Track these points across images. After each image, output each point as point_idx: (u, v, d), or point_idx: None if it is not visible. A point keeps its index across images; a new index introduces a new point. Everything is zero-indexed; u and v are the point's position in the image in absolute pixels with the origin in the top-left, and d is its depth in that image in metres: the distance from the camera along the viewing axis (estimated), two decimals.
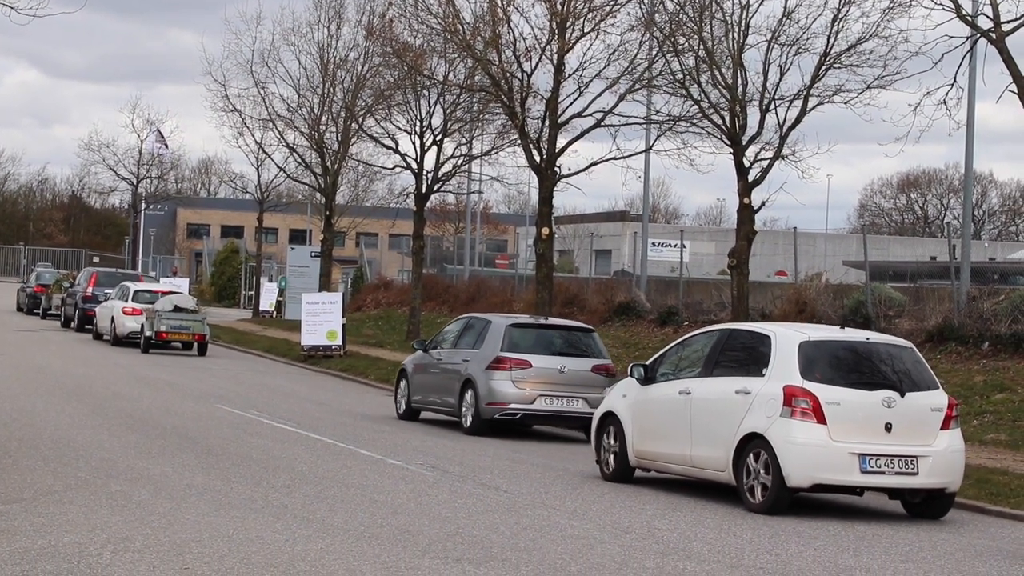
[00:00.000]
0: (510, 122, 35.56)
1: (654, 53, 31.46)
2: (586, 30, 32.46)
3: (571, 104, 33.06)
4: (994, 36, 21.99)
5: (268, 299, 66.04)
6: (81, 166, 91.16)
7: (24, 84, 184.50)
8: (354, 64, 49.02)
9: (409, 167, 43.61)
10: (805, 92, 28.44)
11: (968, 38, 22.84)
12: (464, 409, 23.55)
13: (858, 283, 37.25)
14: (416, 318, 42.64)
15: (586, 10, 32.26)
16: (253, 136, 55.93)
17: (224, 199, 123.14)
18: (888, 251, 76.03)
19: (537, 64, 33.23)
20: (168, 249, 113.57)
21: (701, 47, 28.96)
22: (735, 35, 28.75)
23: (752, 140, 29.13)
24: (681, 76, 29.95)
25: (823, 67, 28.18)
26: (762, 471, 15.59)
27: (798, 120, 28.62)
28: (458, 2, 34.67)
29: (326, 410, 26.19)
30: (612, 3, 32.23)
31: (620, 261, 73.12)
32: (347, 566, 10.89)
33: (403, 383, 25.78)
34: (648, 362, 18.06)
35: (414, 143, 43.08)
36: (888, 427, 15.56)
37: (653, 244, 58.29)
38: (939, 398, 16.03)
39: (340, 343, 39.25)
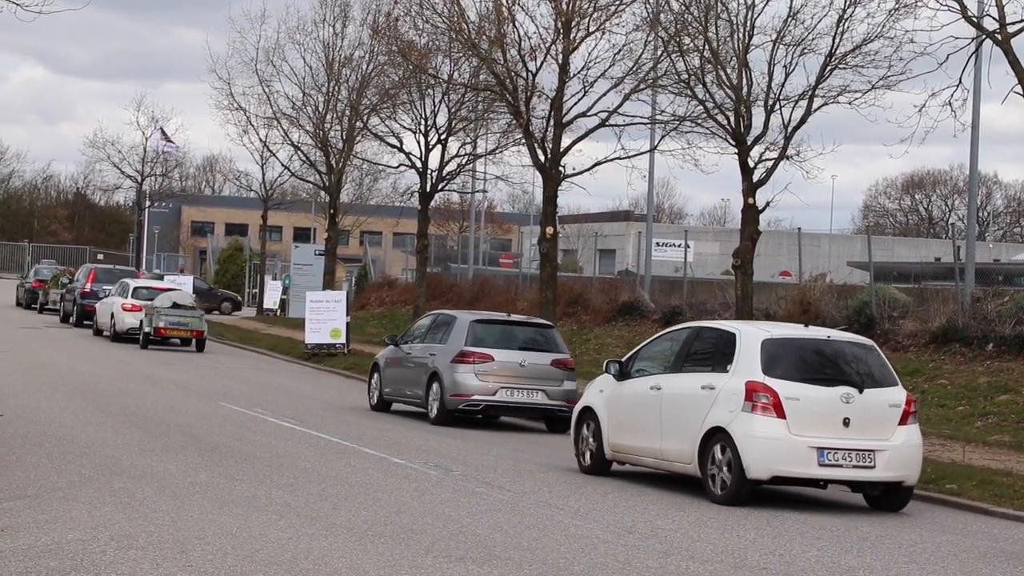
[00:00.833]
0: (515, 121, 35.57)
1: (659, 53, 31.45)
2: (591, 30, 32.46)
3: (576, 104, 33.08)
4: (1000, 37, 21.97)
5: (272, 297, 66.10)
6: (86, 163, 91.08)
7: (30, 81, 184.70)
8: (359, 63, 49.06)
9: (413, 166, 43.64)
10: (810, 92, 28.40)
11: (973, 39, 22.82)
12: (431, 400, 24.66)
13: (862, 284, 37.22)
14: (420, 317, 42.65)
15: (591, 10, 32.27)
16: (258, 134, 56.06)
17: (228, 197, 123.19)
18: (892, 252, 76.00)
19: (542, 63, 33.25)
20: (172, 247, 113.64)
21: (706, 47, 28.94)
22: (740, 35, 28.72)
23: (757, 140, 29.10)
24: (686, 76, 29.93)
25: (828, 67, 28.14)
26: (724, 463, 16.09)
27: (803, 120, 28.59)
28: (463, 1, 34.74)
29: (330, 408, 26.21)
30: (617, 3, 32.22)
31: (624, 261, 73.09)
32: (350, 564, 10.90)
33: (375, 376, 26.94)
34: (623, 359, 18.67)
35: (419, 142, 43.12)
36: (846, 422, 16.05)
37: (657, 244, 58.32)
38: (897, 395, 16.48)
39: (344, 341, 39.26)
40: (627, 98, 32.45)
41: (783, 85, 28.72)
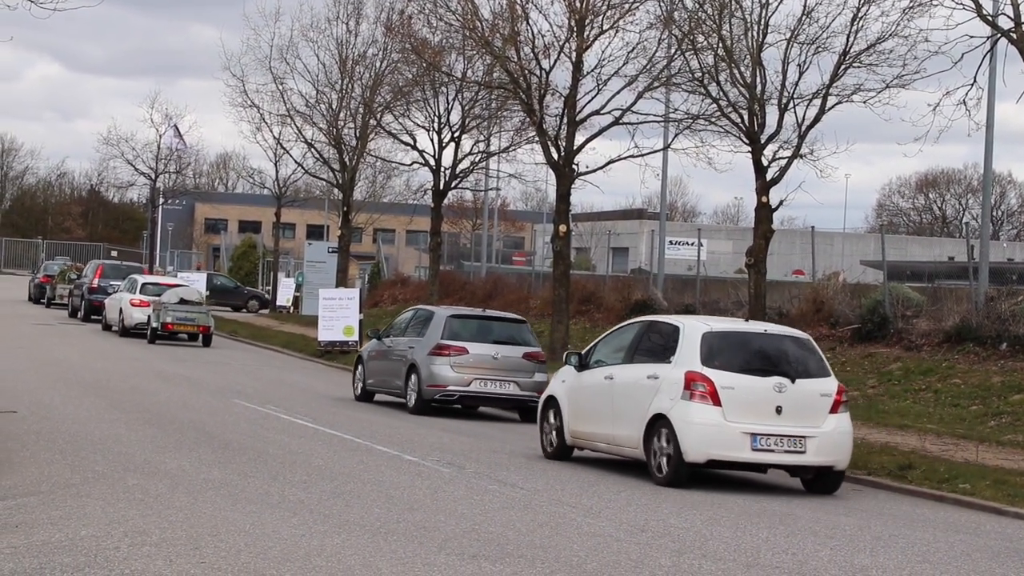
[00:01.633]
0: (528, 119, 35.59)
1: (673, 51, 31.45)
2: (605, 28, 32.49)
3: (589, 101, 33.12)
4: (1015, 36, 21.93)
5: (285, 295, 66.17)
6: (100, 160, 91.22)
7: (46, 78, 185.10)
8: (373, 60, 49.13)
9: (427, 163, 43.67)
10: (824, 91, 28.37)
11: (988, 38, 22.79)
12: (409, 391, 25.94)
13: (876, 283, 37.17)
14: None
15: (605, 7, 32.29)
16: (271, 131, 56.12)
17: (242, 194, 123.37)
18: (906, 251, 75.85)
19: (555, 61, 33.28)
20: (186, 244, 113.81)
21: (720, 45, 28.92)
22: (754, 33, 28.70)
23: (771, 139, 29.08)
24: (700, 74, 29.91)
25: (842, 66, 28.10)
26: (666, 448, 17.19)
27: (817, 119, 28.56)
28: None
29: (342, 406, 26.24)
30: (631, 1, 32.23)
31: (637, 259, 73.05)
32: (363, 562, 10.91)
33: (359, 368, 28.22)
34: (583, 351, 19.79)
35: (432, 140, 43.16)
36: (779, 410, 17.07)
37: (670, 242, 58.27)
38: (829, 385, 17.49)
39: (357, 339, 39.29)
40: (641, 96, 32.45)
41: (797, 83, 28.72)
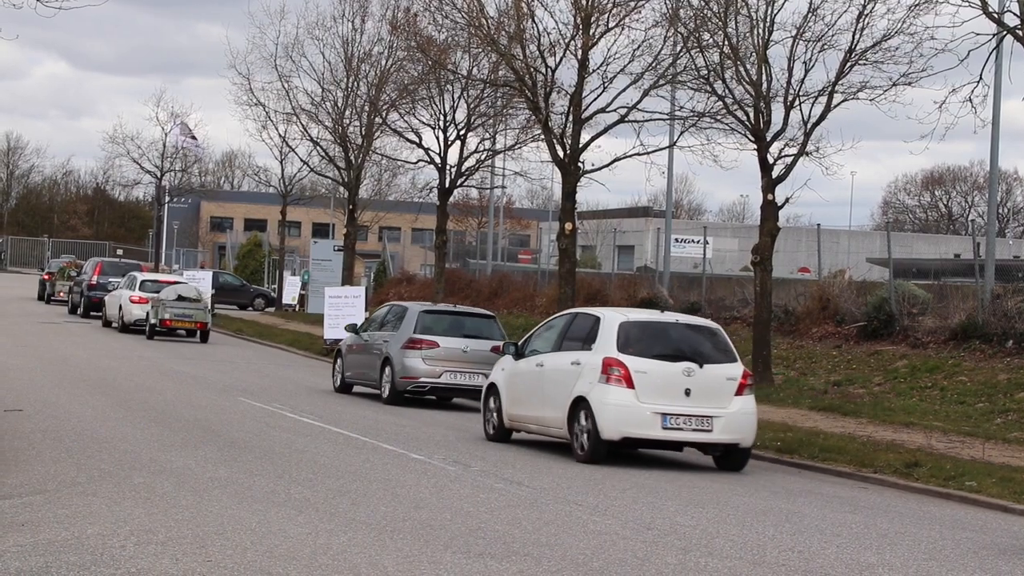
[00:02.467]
0: (534, 117, 35.56)
1: (678, 49, 31.40)
2: (610, 25, 32.43)
3: (595, 99, 33.04)
4: (1021, 33, 21.89)
5: (291, 293, 66.21)
6: (105, 159, 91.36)
7: (53, 76, 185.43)
8: (378, 58, 49.08)
9: (432, 162, 43.64)
10: (830, 88, 28.35)
11: (994, 35, 22.75)
12: (384, 383, 27.21)
13: (882, 280, 37.15)
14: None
15: (610, 5, 32.24)
16: (277, 130, 56.13)
17: (248, 192, 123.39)
18: (912, 248, 75.81)
19: (561, 59, 33.24)
20: (191, 242, 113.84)
21: (726, 43, 28.90)
22: (760, 31, 28.68)
23: (776, 136, 29.06)
24: (705, 72, 29.89)
25: (848, 63, 28.08)
26: (585, 427, 18.76)
27: (823, 117, 28.54)
28: None
29: (348, 404, 26.26)
30: None
31: (643, 257, 73.04)
32: (369, 560, 10.90)
33: (339, 361, 29.44)
34: (519, 341, 21.60)
35: (437, 138, 43.12)
36: (687, 392, 18.68)
37: (676, 240, 58.19)
38: (735, 370, 19.10)
39: None
40: (646, 94, 32.40)
41: (803, 81, 28.69)
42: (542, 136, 34.92)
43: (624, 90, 32.72)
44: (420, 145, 44.13)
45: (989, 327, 28.17)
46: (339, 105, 50.66)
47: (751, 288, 32.59)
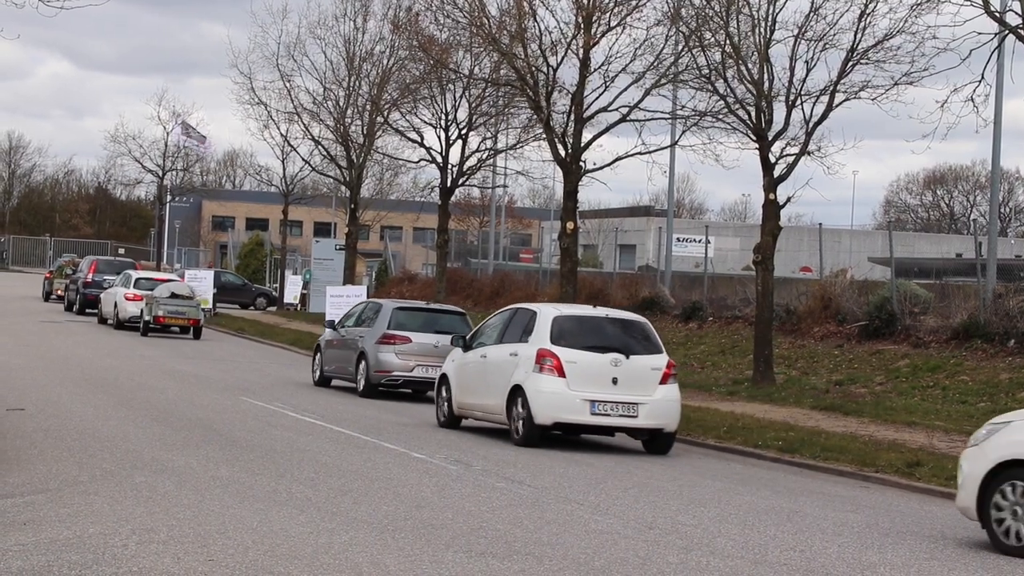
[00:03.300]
0: (535, 116, 35.55)
1: (680, 48, 31.39)
2: (612, 24, 32.40)
3: (596, 99, 33.01)
4: (1023, 32, 21.88)
5: (293, 292, 66.20)
6: (107, 158, 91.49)
7: (56, 75, 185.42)
8: (380, 58, 49.13)
9: (434, 161, 43.65)
10: (832, 88, 28.34)
11: (996, 34, 22.74)
12: (359, 376, 28.31)
13: (883, 280, 37.15)
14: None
15: (612, 4, 32.21)
16: (278, 129, 56.16)
17: (249, 192, 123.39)
18: (914, 248, 75.78)
19: (563, 58, 33.21)
20: (193, 241, 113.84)
21: (727, 42, 28.89)
22: (761, 30, 28.67)
23: (778, 136, 29.05)
24: (707, 71, 29.87)
25: (850, 63, 28.07)
26: (521, 413, 20.21)
27: (824, 116, 28.53)
28: None
29: (349, 403, 26.26)
30: None
31: (645, 256, 73.04)
32: (371, 559, 10.91)
33: (318, 356, 30.67)
34: (468, 335, 23.06)
35: (439, 137, 43.15)
36: (615, 381, 20.11)
37: (678, 239, 58.17)
38: (660, 360, 20.55)
39: None
40: (648, 93, 32.38)
41: (804, 80, 28.69)
42: (544, 135, 34.90)
43: (626, 89, 32.73)
44: (422, 144, 44.16)
45: (991, 326, 28.15)
46: (341, 104, 50.70)
47: (753, 287, 32.59)
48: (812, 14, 28.34)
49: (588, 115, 32.98)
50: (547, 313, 20.89)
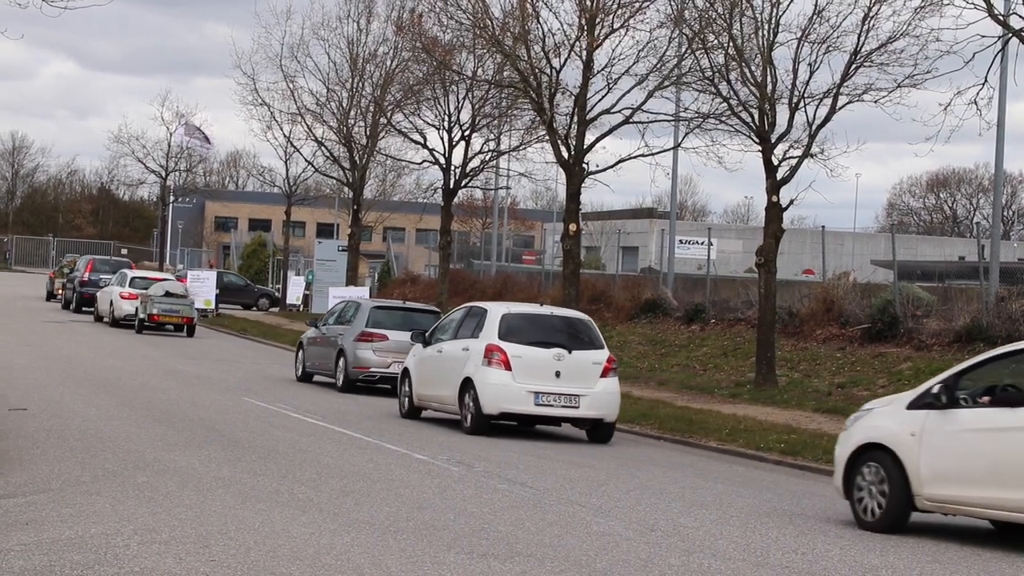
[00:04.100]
0: (538, 118, 35.57)
1: (683, 50, 31.42)
2: (615, 26, 32.45)
3: (599, 100, 33.07)
4: None
5: (295, 293, 66.18)
6: (110, 158, 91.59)
7: (60, 76, 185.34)
8: (383, 59, 49.17)
9: (437, 162, 43.66)
10: (835, 90, 28.35)
11: (1000, 37, 22.74)
12: (338, 372, 29.35)
13: (886, 282, 37.12)
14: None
15: (615, 6, 32.25)
16: (282, 130, 56.19)
17: (252, 192, 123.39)
18: (916, 251, 75.67)
19: (566, 60, 33.26)
20: (196, 242, 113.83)
21: (731, 44, 28.91)
22: (765, 32, 28.68)
23: (781, 138, 29.05)
24: (710, 73, 29.89)
25: (853, 65, 28.08)
26: (471, 404, 21.64)
27: (827, 118, 28.54)
28: None
29: (352, 404, 26.27)
30: (642, 0, 32.18)
31: (647, 258, 72.99)
32: (373, 560, 10.91)
33: (300, 353, 31.75)
34: (428, 331, 24.31)
35: (442, 138, 43.16)
36: (558, 374, 21.53)
37: (680, 241, 58.21)
38: (600, 355, 21.94)
39: None
40: (651, 95, 32.42)
41: (808, 83, 28.71)
42: (546, 137, 34.93)
43: (629, 91, 32.77)
44: (425, 146, 44.18)
45: (993, 329, 28.13)
46: (344, 105, 50.72)
47: (755, 290, 32.58)
48: (816, 16, 28.36)
49: (591, 117, 33.01)
50: (496, 311, 22.36)
